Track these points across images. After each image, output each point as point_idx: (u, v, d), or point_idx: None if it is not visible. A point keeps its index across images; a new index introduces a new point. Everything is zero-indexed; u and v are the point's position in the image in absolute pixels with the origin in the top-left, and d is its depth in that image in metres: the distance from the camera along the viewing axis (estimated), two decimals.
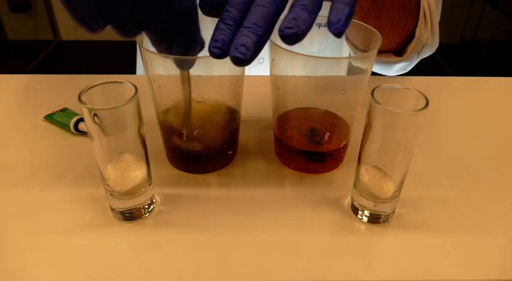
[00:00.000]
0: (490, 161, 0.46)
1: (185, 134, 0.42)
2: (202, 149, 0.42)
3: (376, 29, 0.39)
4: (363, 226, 0.38)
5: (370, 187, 0.36)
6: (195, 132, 0.41)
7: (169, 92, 0.40)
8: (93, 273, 0.33)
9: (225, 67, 0.36)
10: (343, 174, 0.44)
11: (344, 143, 0.44)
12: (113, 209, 0.37)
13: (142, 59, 0.38)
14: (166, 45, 0.34)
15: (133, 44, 0.55)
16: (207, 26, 0.33)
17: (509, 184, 0.43)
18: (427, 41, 0.55)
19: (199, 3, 0.33)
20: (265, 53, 0.37)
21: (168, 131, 0.42)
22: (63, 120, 0.49)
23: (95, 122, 0.31)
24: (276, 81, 0.41)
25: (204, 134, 0.42)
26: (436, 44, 0.56)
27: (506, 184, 0.43)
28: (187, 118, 0.40)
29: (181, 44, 0.34)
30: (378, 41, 0.38)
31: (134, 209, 0.37)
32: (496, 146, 0.49)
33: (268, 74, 0.42)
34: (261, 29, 0.29)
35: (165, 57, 0.35)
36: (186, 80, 0.37)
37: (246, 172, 0.44)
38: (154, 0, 0.30)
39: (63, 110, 0.51)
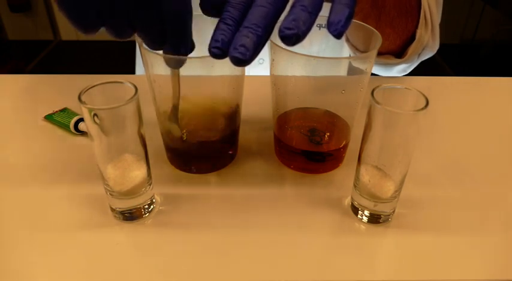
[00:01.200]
0: (490, 161, 0.46)
1: (185, 133, 0.42)
2: (199, 146, 0.42)
3: None
4: (363, 226, 0.38)
5: (370, 187, 0.36)
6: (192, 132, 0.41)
7: (169, 92, 0.40)
8: (93, 273, 0.33)
9: (225, 67, 0.36)
10: (343, 174, 0.44)
11: (344, 143, 0.44)
12: (113, 209, 0.37)
13: (142, 60, 0.38)
14: (158, 45, 0.34)
15: (133, 44, 0.55)
16: (207, 26, 0.33)
17: (509, 184, 0.43)
18: (428, 43, 0.55)
19: (200, 3, 0.33)
20: (265, 53, 0.37)
21: (168, 131, 0.42)
22: (63, 120, 0.49)
23: (95, 122, 0.31)
24: (276, 81, 0.41)
25: (204, 134, 0.43)
26: (437, 46, 0.56)
27: (506, 184, 0.43)
28: (176, 114, 0.40)
29: (173, 45, 0.34)
30: (378, 41, 0.38)
31: (134, 209, 0.37)
32: (496, 146, 0.49)
33: (268, 74, 0.42)
34: (260, 29, 0.29)
35: (166, 58, 0.35)
36: (176, 78, 0.37)
37: (246, 172, 0.44)
38: (148, 2, 0.30)
39: (63, 110, 0.51)
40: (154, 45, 0.35)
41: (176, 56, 0.35)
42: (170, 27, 0.33)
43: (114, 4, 0.30)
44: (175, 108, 0.39)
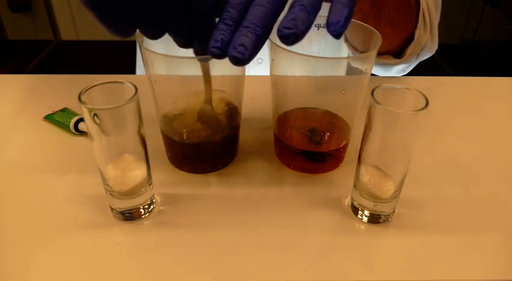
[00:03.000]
0: (490, 161, 0.46)
1: (186, 133, 0.42)
2: (199, 146, 0.42)
3: None
4: (363, 226, 0.38)
5: (370, 187, 0.36)
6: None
7: (170, 92, 0.40)
8: (93, 273, 0.33)
9: (225, 67, 0.36)
10: (343, 174, 0.44)
11: (344, 143, 0.44)
12: (113, 209, 0.37)
13: (143, 59, 0.38)
14: (188, 43, 0.34)
15: (133, 44, 0.55)
16: None
17: (509, 184, 0.43)
18: (426, 44, 0.55)
19: None
20: (264, 53, 0.37)
21: (169, 131, 0.42)
22: (63, 120, 0.49)
23: (95, 122, 0.31)
24: (276, 81, 0.41)
25: (204, 134, 0.43)
26: (435, 47, 0.56)
27: (506, 184, 0.43)
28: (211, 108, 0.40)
29: (201, 43, 0.34)
30: (377, 41, 0.38)
31: (134, 209, 0.37)
32: (496, 146, 0.49)
33: (268, 74, 0.42)
34: (259, 29, 0.29)
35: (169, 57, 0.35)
36: (207, 71, 0.37)
37: (246, 172, 0.44)
38: (178, 3, 0.30)
39: (63, 110, 0.51)
40: (184, 44, 0.34)
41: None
42: (198, 26, 0.32)
43: (147, 8, 0.30)
44: (208, 102, 0.40)
